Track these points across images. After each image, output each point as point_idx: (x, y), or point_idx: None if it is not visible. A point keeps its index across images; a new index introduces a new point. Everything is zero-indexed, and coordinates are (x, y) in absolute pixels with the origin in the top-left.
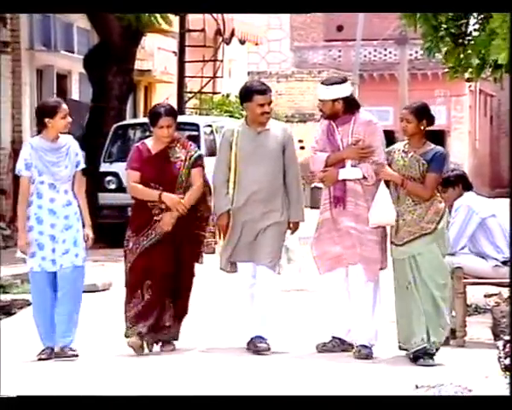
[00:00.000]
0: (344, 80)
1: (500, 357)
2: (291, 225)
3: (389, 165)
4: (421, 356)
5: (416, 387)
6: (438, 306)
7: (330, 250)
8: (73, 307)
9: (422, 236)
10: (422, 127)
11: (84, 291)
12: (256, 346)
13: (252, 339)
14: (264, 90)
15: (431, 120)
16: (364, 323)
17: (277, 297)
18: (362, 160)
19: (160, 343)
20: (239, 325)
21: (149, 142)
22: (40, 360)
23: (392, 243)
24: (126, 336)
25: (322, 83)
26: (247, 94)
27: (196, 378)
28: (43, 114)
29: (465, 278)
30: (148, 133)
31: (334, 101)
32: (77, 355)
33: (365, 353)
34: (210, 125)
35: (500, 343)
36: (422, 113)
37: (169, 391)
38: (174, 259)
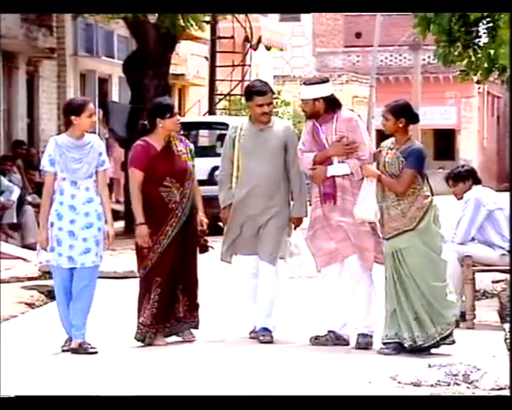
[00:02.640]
0: (325, 80)
1: (506, 338)
2: (294, 221)
3: (378, 162)
4: (406, 348)
5: (429, 366)
6: (428, 301)
7: (324, 246)
8: (89, 303)
9: (405, 232)
10: (401, 125)
11: (122, 277)
12: (260, 338)
13: (257, 331)
14: (264, 92)
15: (412, 118)
16: (362, 312)
17: (280, 289)
18: (347, 156)
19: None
20: (239, 316)
21: (150, 139)
22: (64, 351)
23: (381, 237)
24: (141, 341)
25: (303, 83)
26: (248, 94)
27: (196, 372)
28: (70, 111)
29: (474, 266)
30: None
31: (315, 100)
32: (96, 352)
33: (365, 341)
34: None
35: (506, 326)
36: (400, 111)
37: (168, 387)
38: (182, 252)
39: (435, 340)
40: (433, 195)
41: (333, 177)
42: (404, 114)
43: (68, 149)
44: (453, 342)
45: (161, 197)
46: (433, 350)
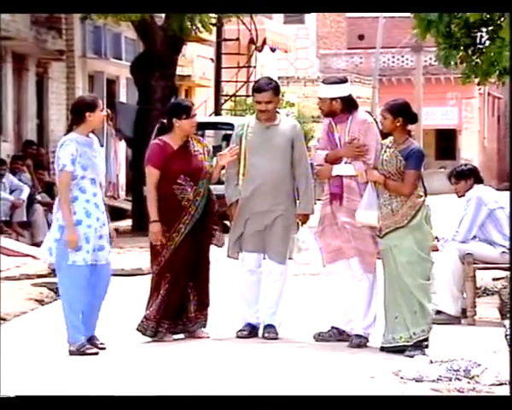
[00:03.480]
0: (344, 81)
1: (507, 334)
2: (300, 217)
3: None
4: (404, 348)
5: (431, 362)
6: (416, 299)
7: (332, 243)
8: (103, 301)
9: (397, 229)
10: (398, 124)
11: (129, 275)
12: (265, 335)
13: (243, 330)
14: (262, 89)
15: (410, 117)
16: (361, 314)
17: (287, 287)
18: (356, 158)
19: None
20: (237, 312)
21: (167, 138)
22: (73, 354)
23: (376, 235)
24: (142, 333)
25: (322, 82)
26: (252, 91)
27: (201, 370)
28: (84, 108)
29: (475, 264)
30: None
31: (332, 99)
32: (104, 348)
33: (358, 342)
34: None
35: (507, 322)
36: (398, 110)
37: (174, 384)
38: (195, 249)
39: (409, 343)
40: (426, 195)
41: (341, 177)
42: (401, 113)
43: (86, 147)
44: (427, 346)
45: (174, 194)
46: (434, 346)
